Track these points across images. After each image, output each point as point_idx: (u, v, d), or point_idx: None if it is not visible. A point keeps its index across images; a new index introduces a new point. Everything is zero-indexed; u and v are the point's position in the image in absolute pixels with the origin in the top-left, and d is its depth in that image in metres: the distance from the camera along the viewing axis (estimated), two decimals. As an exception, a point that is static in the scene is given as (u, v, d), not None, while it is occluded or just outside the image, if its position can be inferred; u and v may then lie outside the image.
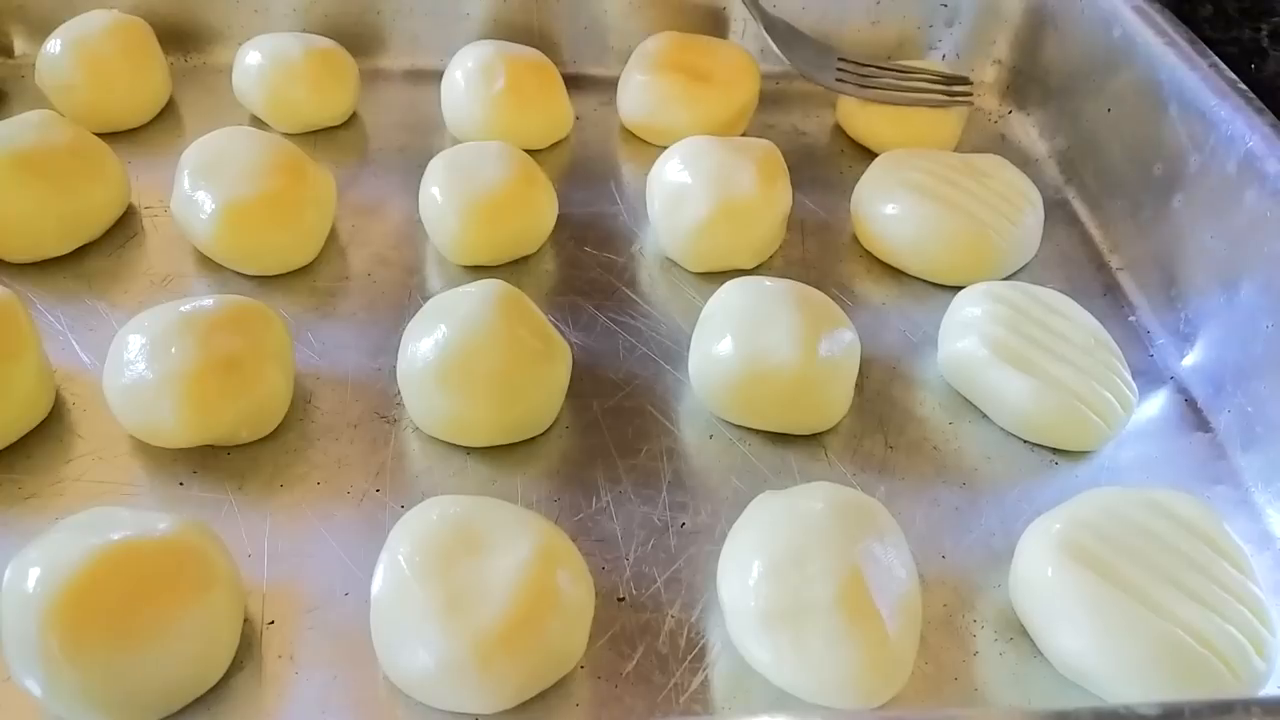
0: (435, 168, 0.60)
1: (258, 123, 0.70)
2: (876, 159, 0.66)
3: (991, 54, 0.80)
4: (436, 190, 0.59)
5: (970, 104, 0.72)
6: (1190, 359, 0.59)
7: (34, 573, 0.37)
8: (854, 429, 0.53)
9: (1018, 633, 0.45)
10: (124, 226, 0.61)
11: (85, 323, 0.55)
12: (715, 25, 0.78)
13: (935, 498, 0.50)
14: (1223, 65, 0.62)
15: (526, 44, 0.73)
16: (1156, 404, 0.57)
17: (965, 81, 0.71)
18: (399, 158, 0.69)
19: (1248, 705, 0.30)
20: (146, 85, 0.69)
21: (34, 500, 0.46)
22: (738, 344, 0.51)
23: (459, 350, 0.48)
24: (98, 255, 0.59)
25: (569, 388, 0.52)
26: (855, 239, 0.66)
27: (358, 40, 0.75)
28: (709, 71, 0.71)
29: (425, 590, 0.38)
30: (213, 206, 0.56)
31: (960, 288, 0.58)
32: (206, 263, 0.59)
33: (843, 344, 0.52)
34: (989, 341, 0.53)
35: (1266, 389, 0.53)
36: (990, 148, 0.74)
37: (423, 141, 0.70)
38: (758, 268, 0.62)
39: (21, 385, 0.48)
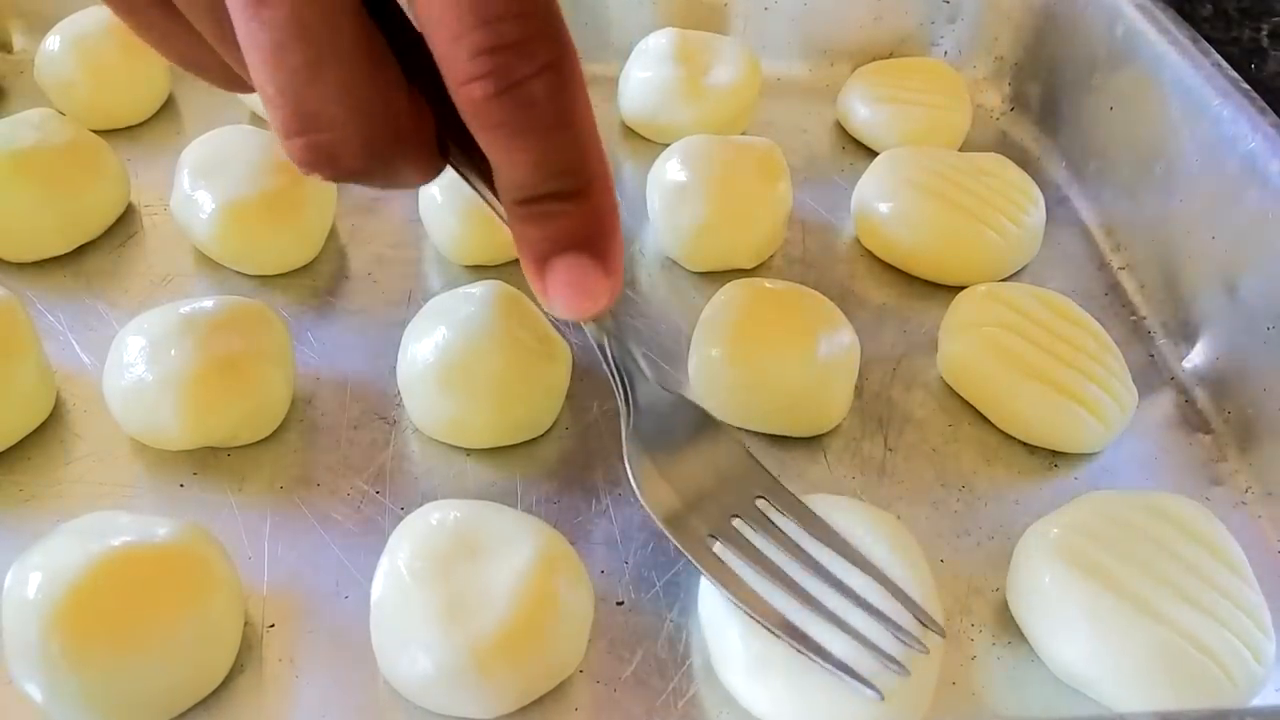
0: (435, 167, 0.60)
1: (257, 120, 0.70)
2: (878, 158, 0.66)
3: (993, 51, 0.79)
4: (436, 190, 0.59)
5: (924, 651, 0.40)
6: (1191, 360, 0.59)
7: (35, 578, 0.37)
8: (853, 431, 0.53)
9: (1016, 637, 0.45)
10: (124, 225, 0.61)
11: (85, 322, 0.55)
12: (717, 22, 0.78)
13: (934, 500, 0.50)
14: (1225, 65, 0.61)
15: (527, 41, 0.73)
16: (1157, 405, 0.57)
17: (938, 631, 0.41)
18: (399, 156, 0.69)
19: (1243, 715, 0.30)
20: (146, 82, 0.69)
21: (34, 502, 0.46)
22: (737, 345, 0.51)
23: (459, 351, 0.48)
24: (97, 254, 0.59)
25: (569, 389, 0.52)
26: (856, 238, 0.66)
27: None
28: (709, 69, 0.71)
29: (424, 595, 0.39)
30: (212, 206, 0.56)
31: (961, 288, 0.58)
32: (206, 262, 0.59)
33: (842, 345, 0.52)
34: (989, 343, 0.53)
35: (1267, 391, 0.53)
36: (992, 146, 0.74)
37: (423, 139, 0.70)
38: (758, 267, 0.62)
39: (21, 386, 0.47)
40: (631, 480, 0.42)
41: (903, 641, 0.39)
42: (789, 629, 0.39)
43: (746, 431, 0.52)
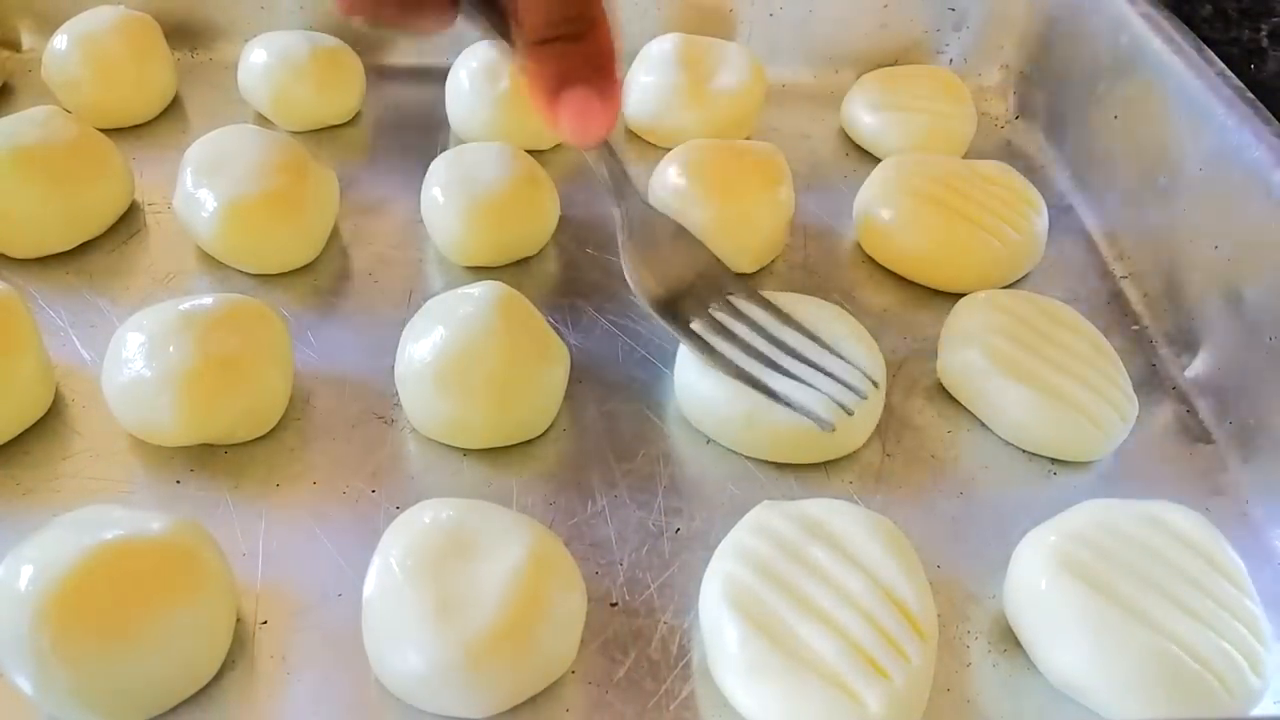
0: (437, 168, 0.60)
1: (263, 120, 0.70)
2: (880, 164, 0.66)
3: (999, 59, 0.79)
4: (438, 190, 0.59)
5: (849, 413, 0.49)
6: (1193, 370, 0.58)
7: (26, 570, 0.37)
8: (852, 436, 0.53)
9: (1012, 645, 0.44)
10: (127, 223, 0.61)
11: (86, 319, 0.55)
12: (722, 28, 0.78)
13: (932, 506, 0.50)
14: (1229, 74, 0.61)
15: (532, 44, 0.73)
16: (1158, 414, 0.57)
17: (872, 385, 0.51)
18: (402, 157, 0.69)
19: (1238, 724, 0.30)
20: (152, 81, 0.69)
21: (31, 496, 0.46)
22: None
23: (457, 352, 0.48)
24: (100, 251, 0.59)
25: (567, 389, 0.52)
26: (858, 245, 0.65)
27: (363, 38, 0.75)
28: (714, 74, 0.71)
29: (416, 593, 0.38)
30: (214, 204, 0.56)
31: (962, 295, 0.58)
32: (208, 260, 0.59)
33: (842, 350, 0.52)
34: (989, 351, 0.53)
35: (1268, 401, 0.53)
36: (996, 154, 0.74)
37: (426, 141, 0.70)
38: (759, 272, 0.62)
39: (21, 381, 0.48)
40: (629, 277, 0.50)
41: (849, 387, 0.49)
42: (751, 380, 0.49)
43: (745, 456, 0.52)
